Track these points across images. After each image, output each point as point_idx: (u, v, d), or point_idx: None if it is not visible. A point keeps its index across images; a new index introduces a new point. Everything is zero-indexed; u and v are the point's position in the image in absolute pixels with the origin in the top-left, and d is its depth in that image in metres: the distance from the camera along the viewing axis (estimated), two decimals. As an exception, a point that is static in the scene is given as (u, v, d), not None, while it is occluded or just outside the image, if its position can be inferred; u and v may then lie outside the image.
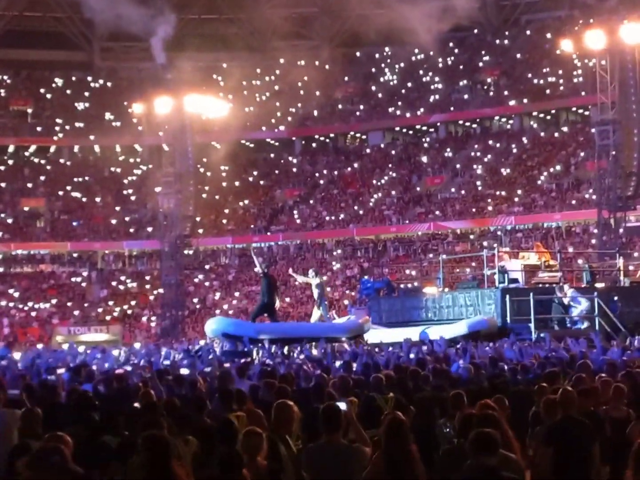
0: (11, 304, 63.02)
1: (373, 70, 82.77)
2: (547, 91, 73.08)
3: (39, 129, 79.24)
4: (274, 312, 28.54)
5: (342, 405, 8.37)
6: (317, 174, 76.34)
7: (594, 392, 11.01)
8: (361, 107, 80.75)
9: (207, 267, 69.57)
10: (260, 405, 10.75)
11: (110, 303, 64.40)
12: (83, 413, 10.61)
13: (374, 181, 73.14)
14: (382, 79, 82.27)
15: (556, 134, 71.63)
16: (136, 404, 11.14)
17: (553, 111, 73.71)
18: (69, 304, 64.50)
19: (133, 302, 64.47)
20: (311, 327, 29.93)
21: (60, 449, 6.61)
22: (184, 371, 17.03)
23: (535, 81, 74.63)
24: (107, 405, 10.85)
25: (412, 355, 19.93)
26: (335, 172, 75.84)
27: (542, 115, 74.26)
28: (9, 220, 72.64)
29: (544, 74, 74.36)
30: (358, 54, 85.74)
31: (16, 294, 64.58)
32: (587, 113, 69.63)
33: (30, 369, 18.96)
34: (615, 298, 29.29)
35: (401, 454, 8.39)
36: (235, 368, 16.55)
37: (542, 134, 72.39)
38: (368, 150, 78.26)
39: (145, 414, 9.82)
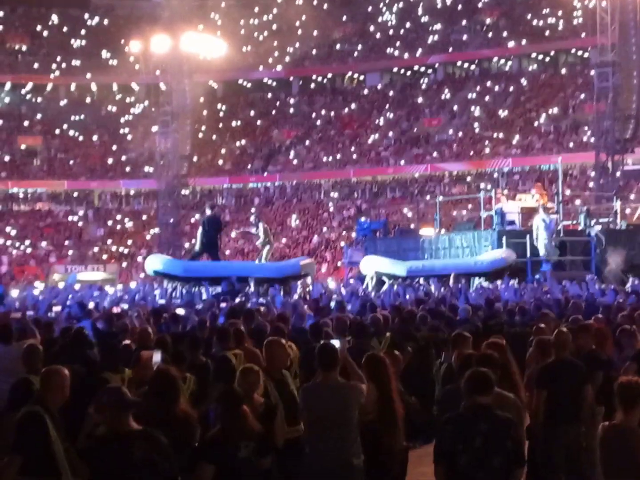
0: (8, 242, 63.06)
1: (371, 10, 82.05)
2: (547, 32, 72.55)
3: (35, 66, 78.71)
4: (215, 253, 28.45)
5: (337, 343, 8.43)
6: (314, 115, 76.00)
7: (590, 332, 11.07)
8: (359, 47, 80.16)
9: (203, 207, 69.52)
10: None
11: (108, 242, 64.46)
12: (80, 350, 10.69)
13: (371, 122, 72.89)
14: (380, 20, 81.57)
15: (555, 76, 71.27)
16: (128, 341, 11.16)
17: (552, 53, 73.19)
18: (66, 242, 64.56)
19: (130, 242, 64.51)
20: (241, 266, 29.96)
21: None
22: (180, 311, 17.11)
23: (535, 22, 74.02)
24: (106, 342, 10.90)
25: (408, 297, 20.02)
26: (333, 113, 75.50)
27: (540, 57, 73.78)
28: (6, 158, 72.47)
29: (544, 15, 73.74)
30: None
31: (13, 232, 64.62)
32: (586, 55, 69.24)
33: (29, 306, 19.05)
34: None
35: (383, 390, 8.50)
36: (230, 308, 16.64)
37: (542, 75, 72.02)
38: (366, 91, 77.85)
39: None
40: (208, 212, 29.10)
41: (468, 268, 27.40)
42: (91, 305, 18.24)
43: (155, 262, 27.96)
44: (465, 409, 6.87)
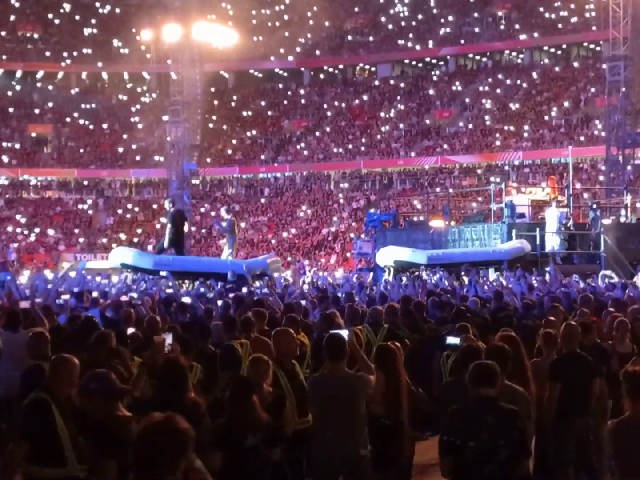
0: (18, 230, 63.19)
1: (383, 1, 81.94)
2: (559, 25, 72.43)
3: (47, 54, 78.82)
4: (181, 248, 28.42)
5: (345, 333, 8.43)
6: (325, 105, 75.99)
7: (597, 326, 11.06)
8: (371, 38, 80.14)
9: (213, 196, 69.61)
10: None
11: (117, 231, 64.55)
12: (88, 338, 10.70)
13: (382, 114, 72.83)
14: (392, 11, 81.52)
15: (566, 69, 71.13)
16: (133, 329, 11.17)
17: (564, 46, 73.14)
18: (75, 230, 64.67)
19: (139, 230, 64.59)
20: (210, 262, 29.90)
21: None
22: (187, 299, 17.10)
23: (547, 15, 73.93)
24: (114, 331, 10.89)
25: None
26: (344, 104, 75.49)
27: (552, 50, 73.71)
28: (17, 146, 72.61)
29: (556, 8, 73.63)
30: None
31: (23, 220, 64.74)
32: (598, 48, 69.13)
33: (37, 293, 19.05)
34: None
35: (392, 380, 8.51)
36: (236, 298, 16.63)
37: (554, 68, 71.88)
38: (377, 83, 77.82)
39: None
40: (168, 206, 28.99)
41: (487, 256, 27.39)
42: (95, 294, 18.21)
43: (123, 255, 27.97)
44: (471, 401, 6.87)
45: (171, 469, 4.43)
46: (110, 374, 6.60)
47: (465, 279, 22.48)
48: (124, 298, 16.77)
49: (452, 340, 9.32)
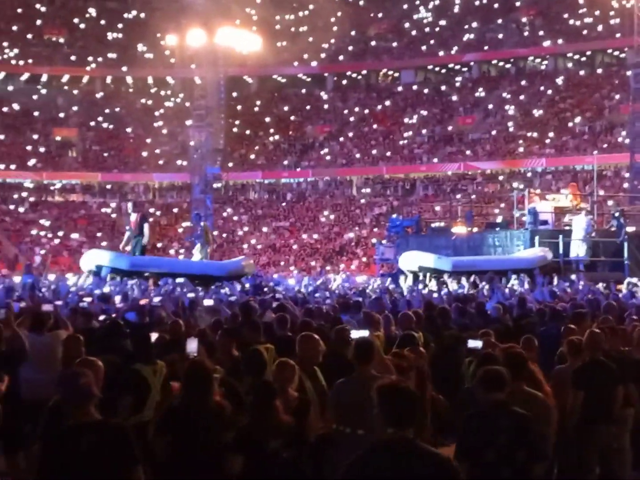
0: (42, 233, 63.49)
1: (407, 7, 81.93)
2: (583, 32, 72.21)
3: (72, 58, 79.22)
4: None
5: (365, 334, 8.48)
6: (348, 111, 76.02)
7: (621, 333, 11.05)
8: (394, 44, 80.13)
9: (236, 201, 69.76)
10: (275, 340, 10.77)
11: (139, 234, 64.63)
12: (115, 341, 10.79)
13: (405, 119, 72.80)
14: (416, 17, 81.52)
15: (590, 76, 70.92)
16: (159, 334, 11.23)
17: (588, 52, 72.86)
18: (98, 234, 64.91)
19: (162, 234, 64.78)
20: (188, 264, 29.98)
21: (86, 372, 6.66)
22: (208, 302, 17.17)
23: (571, 22, 73.72)
24: (139, 334, 10.96)
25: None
26: (366, 110, 75.50)
27: (576, 56, 73.48)
28: (42, 150, 72.96)
29: (580, 14, 73.43)
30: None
31: (47, 223, 65.04)
32: (622, 55, 68.88)
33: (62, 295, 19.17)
34: None
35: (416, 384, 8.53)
36: (259, 302, 16.70)
37: (578, 75, 71.69)
38: (400, 88, 77.79)
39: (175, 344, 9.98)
40: (130, 209, 29.40)
41: (511, 264, 27.34)
42: (118, 298, 18.30)
43: (98, 257, 28.14)
44: (483, 407, 6.91)
45: None
46: (82, 375, 6.50)
47: (485, 285, 22.46)
48: (143, 301, 16.86)
49: (473, 343, 9.34)
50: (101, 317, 14.09)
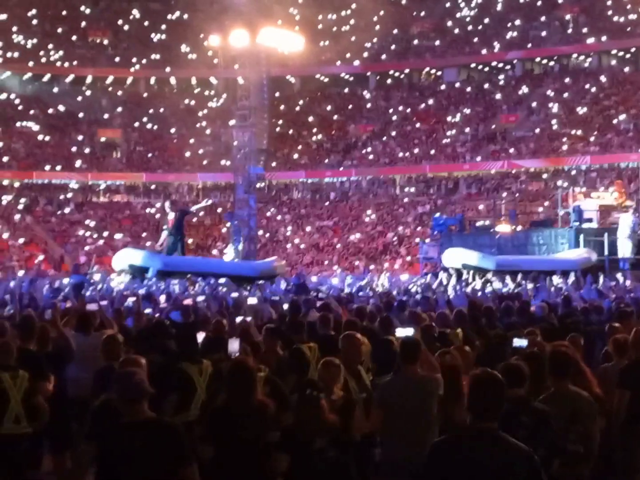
0: (87, 234, 63.94)
1: (449, 5, 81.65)
2: (627, 29, 71.56)
3: (116, 60, 79.74)
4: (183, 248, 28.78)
5: (410, 332, 8.49)
6: (391, 110, 75.88)
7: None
8: (437, 43, 79.89)
9: (279, 201, 69.89)
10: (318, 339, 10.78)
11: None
12: (159, 340, 10.87)
13: (448, 118, 72.56)
14: (458, 15, 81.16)
15: (635, 73, 70.29)
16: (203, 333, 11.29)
17: (633, 49, 72.18)
18: (143, 234, 65.25)
19: (206, 234, 65.04)
20: (220, 264, 29.94)
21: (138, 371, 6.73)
22: (252, 300, 17.22)
23: (616, 18, 73.07)
24: (185, 333, 11.04)
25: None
26: (409, 109, 75.34)
27: (621, 53, 72.83)
28: (86, 151, 73.48)
29: (625, 11, 72.75)
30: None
31: (92, 224, 65.48)
32: (668, 52, 68.28)
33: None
34: None
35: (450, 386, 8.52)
36: (303, 301, 16.75)
37: (622, 72, 71.10)
38: (443, 87, 77.55)
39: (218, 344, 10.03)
40: (168, 207, 29.42)
41: (555, 265, 27.19)
42: (163, 298, 18.44)
43: (131, 256, 28.16)
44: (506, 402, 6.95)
45: None
46: (136, 374, 6.56)
47: (529, 284, 22.38)
48: (186, 301, 16.97)
49: (518, 342, 9.35)
50: (146, 316, 14.19)
